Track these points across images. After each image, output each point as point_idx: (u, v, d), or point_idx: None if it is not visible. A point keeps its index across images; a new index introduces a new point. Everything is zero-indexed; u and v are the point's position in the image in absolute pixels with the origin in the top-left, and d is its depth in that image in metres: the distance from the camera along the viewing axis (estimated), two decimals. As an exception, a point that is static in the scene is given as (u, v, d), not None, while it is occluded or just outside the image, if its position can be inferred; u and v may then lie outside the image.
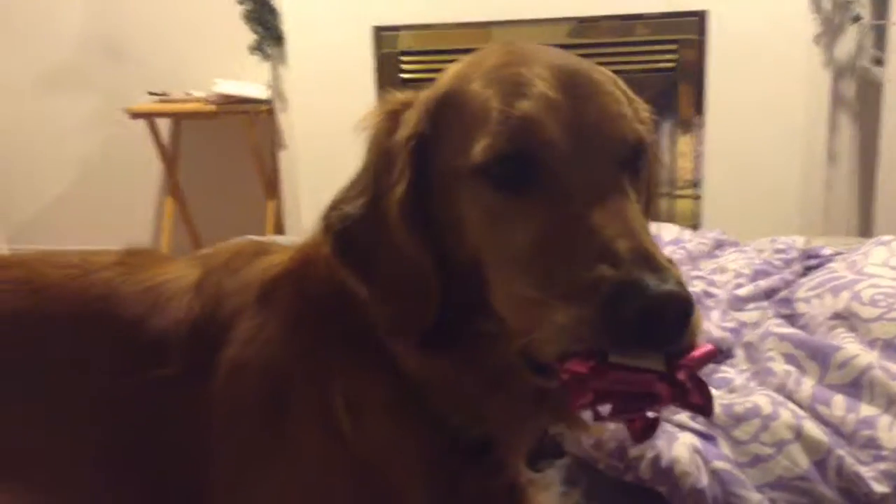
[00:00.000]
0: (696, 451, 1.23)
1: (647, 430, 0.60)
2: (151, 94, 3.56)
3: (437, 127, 0.75)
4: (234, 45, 3.40)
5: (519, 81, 0.70)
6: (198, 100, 3.45)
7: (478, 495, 0.81)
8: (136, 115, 3.48)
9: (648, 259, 0.60)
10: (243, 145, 3.53)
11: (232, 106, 3.38)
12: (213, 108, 3.38)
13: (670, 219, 2.97)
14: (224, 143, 3.74)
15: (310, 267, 0.85)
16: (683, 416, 1.30)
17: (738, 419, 1.25)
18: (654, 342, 0.59)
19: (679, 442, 1.24)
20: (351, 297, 0.80)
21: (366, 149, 0.80)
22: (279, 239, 2.11)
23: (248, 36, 3.36)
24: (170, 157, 3.67)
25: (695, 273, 1.76)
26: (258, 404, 0.83)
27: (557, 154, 0.67)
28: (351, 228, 0.76)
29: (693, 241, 1.97)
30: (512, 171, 0.67)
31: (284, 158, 3.53)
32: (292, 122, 3.39)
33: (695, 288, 1.65)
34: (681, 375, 0.58)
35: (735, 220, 2.89)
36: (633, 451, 1.24)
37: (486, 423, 0.79)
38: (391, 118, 0.78)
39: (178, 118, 3.65)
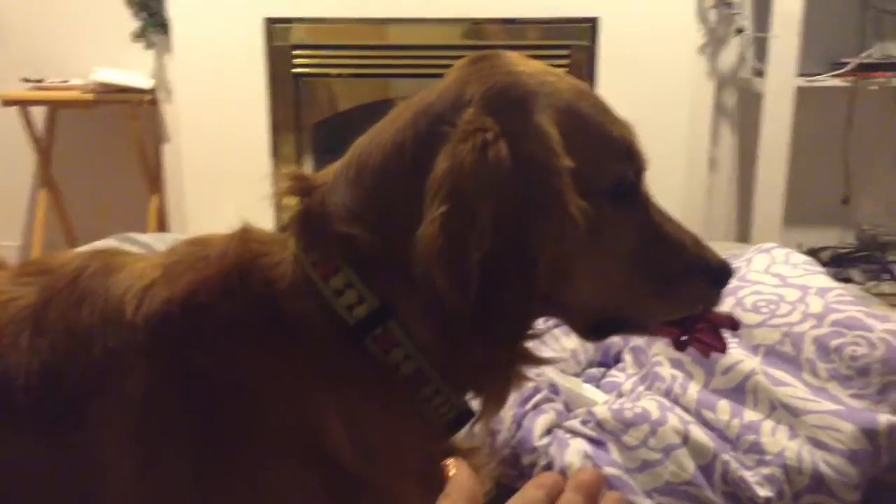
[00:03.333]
0: (588, 456, 1.24)
1: (718, 345, 0.89)
2: (26, 80, 3.35)
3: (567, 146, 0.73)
4: (116, 32, 3.25)
5: (606, 108, 0.79)
6: (76, 87, 3.27)
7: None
8: (8, 103, 3.27)
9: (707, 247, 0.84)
10: (125, 137, 3.37)
11: (112, 95, 3.22)
12: (91, 96, 3.21)
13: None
14: (104, 135, 3.57)
15: (230, 285, 0.73)
16: (575, 423, 1.30)
17: (628, 424, 1.26)
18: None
19: (571, 448, 1.24)
20: (320, 312, 0.73)
21: (464, 178, 0.68)
22: (166, 237, 2.01)
23: (131, 22, 3.21)
24: (44, 148, 3.47)
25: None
26: (196, 443, 0.71)
27: (642, 172, 0.81)
28: (462, 273, 0.68)
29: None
30: (625, 190, 0.78)
31: (168, 152, 3.39)
32: (177, 114, 3.26)
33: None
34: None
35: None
36: (526, 459, 1.24)
37: (481, 400, 0.81)
38: (500, 148, 0.69)
39: (54, 106, 3.45)
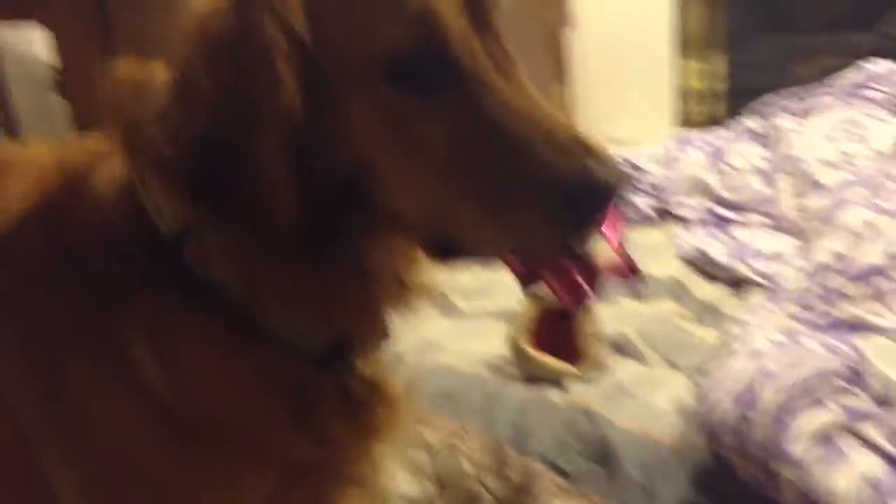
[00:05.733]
0: (874, 484, 0.86)
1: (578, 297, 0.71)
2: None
3: (316, 14, 0.60)
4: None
5: None
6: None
7: (341, 401, 0.71)
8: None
9: (590, 148, 0.59)
10: (532, 23, 3.29)
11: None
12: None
13: None
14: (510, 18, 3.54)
15: (65, 197, 0.66)
16: (876, 431, 0.91)
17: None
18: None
19: (849, 467, 0.87)
20: (139, 227, 0.64)
21: (195, 45, 0.59)
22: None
23: None
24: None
25: None
26: (21, 383, 0.66)
27: (463, 42, 0.61)
28: (191, 153, 0.58)
29: None
30: (422, 70, 0.60)
31: (574, 39, 3.26)
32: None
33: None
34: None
35: None
36: (775, 466, 0.90)
37: (339, 323, 0.69)
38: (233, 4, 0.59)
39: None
